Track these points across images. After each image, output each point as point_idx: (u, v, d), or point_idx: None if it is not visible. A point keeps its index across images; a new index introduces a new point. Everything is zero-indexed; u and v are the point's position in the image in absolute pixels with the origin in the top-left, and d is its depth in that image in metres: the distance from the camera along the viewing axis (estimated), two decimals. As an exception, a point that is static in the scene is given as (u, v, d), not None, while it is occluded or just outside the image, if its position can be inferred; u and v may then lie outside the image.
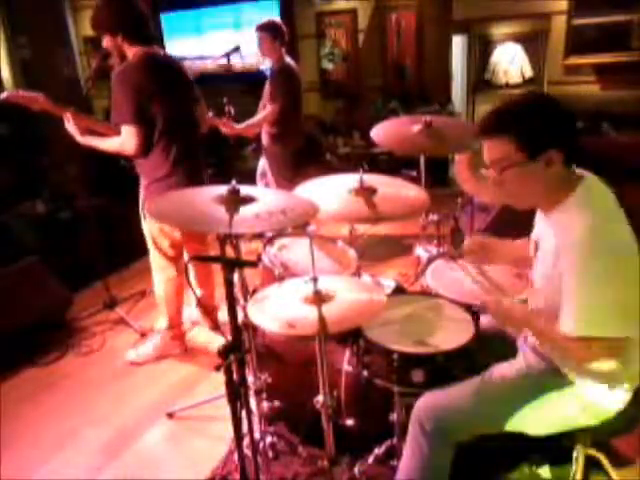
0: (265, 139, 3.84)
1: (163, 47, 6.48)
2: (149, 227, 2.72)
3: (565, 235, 1.34)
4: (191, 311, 3.26)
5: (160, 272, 2.84)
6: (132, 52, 2.51)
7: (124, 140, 2.46)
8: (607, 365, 1.36)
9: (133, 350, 3.00)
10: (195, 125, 2.75)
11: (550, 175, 1.37)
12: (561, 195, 1.39)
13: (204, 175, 2.79)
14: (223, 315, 2.70)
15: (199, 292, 3.02)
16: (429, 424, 1.51)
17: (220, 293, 2.82)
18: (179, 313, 2.96)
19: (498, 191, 1.44)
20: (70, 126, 2.54)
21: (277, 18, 3.84)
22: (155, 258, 2.82)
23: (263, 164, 4.05)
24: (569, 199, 1.38)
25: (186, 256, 2.95)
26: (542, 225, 1.51)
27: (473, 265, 2.01)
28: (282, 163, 3.87)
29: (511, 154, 1.36)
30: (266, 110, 3.66)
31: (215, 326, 3.10)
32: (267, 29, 3.64)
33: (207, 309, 3.07)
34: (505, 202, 1.49)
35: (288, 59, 3.74)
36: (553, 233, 1.39)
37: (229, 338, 1.47)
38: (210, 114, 3.32)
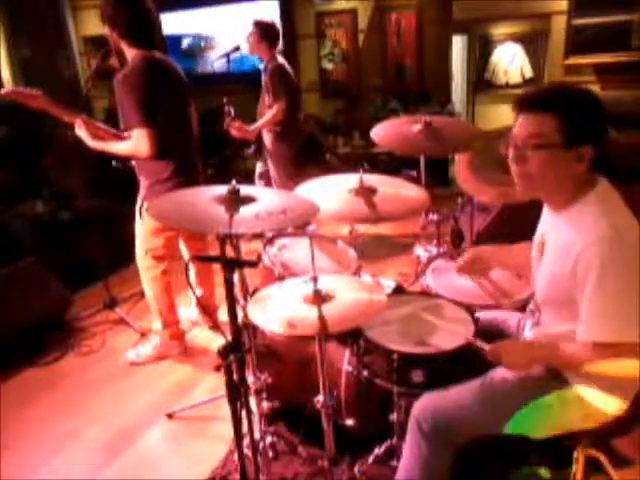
0: (269, 139, 3.84)
1: (166, 50, 6.50)
2: (145, 226, 2.71)
3: (589, 233, 1.30)
4: (190, 311, 3.27)
5: (146, 272, 2.84)
6: (131, 54, 2.51)
7: (137, 143, 2.45)
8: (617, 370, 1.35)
9: (133, 350, 3.00)
10: (192, 127, 2.76)
11: (574, 171, 1.34)
12: (577, 193, 1.37)
13: (202, 176, 2.80)
14: (223, 315, 2.71)
15: (199, 292, 3.02)
16: (428, 425, 1.51)
17: (220, 293, 2.82)
18: (172, 312, 2.95)
19: (514, 168, 1.40)
20: (81, 132, 2.55)
21: (275, 19, 3.85)
22: (141, 259, 2.82)
23: (262, 165, 4.06)
24: (587, 198, 1.36)
25: (186, 255, 2.96)
26: (551, 222, 1.47)
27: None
28: (287, 162, 3.88)
29: (550, 133, 1.31)
30: (273, 110, 3.66)
31: (215, 326, 3.10)
32: (257, 27, 3.69)
33: (207, 309, 3.07)
34: (516, 182, 1.43)
35: (281, 59, 3.77)
36: (570, 230, 1.36)
37: (229, 338, 1.47)
38: (228, 119, 3.37)
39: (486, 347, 1.50)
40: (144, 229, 2.72)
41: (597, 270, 1.27)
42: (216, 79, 6.02)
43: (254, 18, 3.77)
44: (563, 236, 1.38)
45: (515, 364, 1.47)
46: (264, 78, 3.75)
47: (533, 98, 1.37)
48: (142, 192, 2.69)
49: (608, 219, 1.30)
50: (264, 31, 3.67)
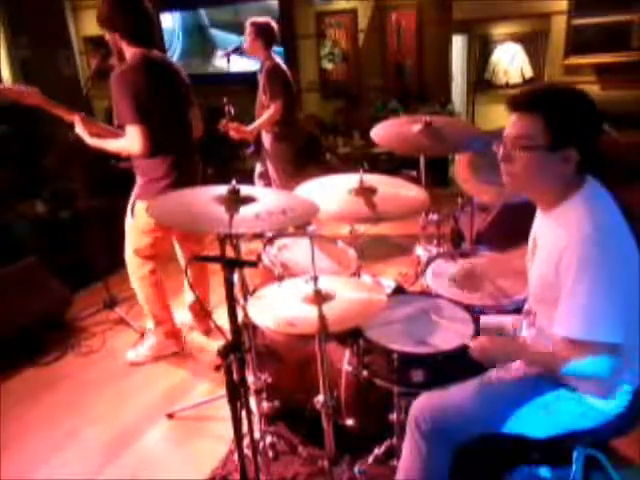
0: (268, 140, 3.83)
1: (164, 49, 6.50)
2: (136, 224, 2.70)
3: (572, 231, 1.31)
4: (184, 315, 3.24)
5: (135, 271, 2.83)
6: (130, 52, 2.51)
7: (130, 140, 2.46)
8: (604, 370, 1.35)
9: (133, 350, 3.00)
10: (189, 127, 2.75)
11: (560, 172, 1.35)
12: (564, 193, 1.38)
13: (199, 177, 2.79)
14: (222, 317, 2.71)
15: (193, 296, 3.00)
16: (426, 425, 1.51)
17: (220, 293, 2.81)
18: (164, 310, 2.93)
19: (503, 167, 1.41)
20: (79, 129, 2.55)
21: (272, 19, 3.85)
22: (130, 258, 2.81)
23: (261, 165, 4.05)
24: (574, 198, 1.37)
25: (181, 258, 2.94)
26: (542, 222, 1.49)
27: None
28: (288, 162, 3.87)
29: (536, 135, 1.32)
30: (270, 110, 3.66)
31: (207, 331, 3.10)
32: (253, 25, 3.69)
33: (200, 313, 3.06)
34: (505, 181, 1.44)
35: (277, 58, 3.77)
36: (556, 229, 1.37)
37: (229, 338, 1.47)
38: (224, 121, 3.36)
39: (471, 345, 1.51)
40: (134, 227, 2.72)
41: (576, 268, 1.28)
42: (216, 79, 6.04)
43: (251, 18, 3.78)
44: (551, 235, 1.40)
45: (493, 359, 1.50)
46: (260, 78, 3.75)
47: (522, 98, 1.38)
48: (135, 190, 2.68)
49: (593, 219, 1.30)
50: (259, 30, 3.67)
